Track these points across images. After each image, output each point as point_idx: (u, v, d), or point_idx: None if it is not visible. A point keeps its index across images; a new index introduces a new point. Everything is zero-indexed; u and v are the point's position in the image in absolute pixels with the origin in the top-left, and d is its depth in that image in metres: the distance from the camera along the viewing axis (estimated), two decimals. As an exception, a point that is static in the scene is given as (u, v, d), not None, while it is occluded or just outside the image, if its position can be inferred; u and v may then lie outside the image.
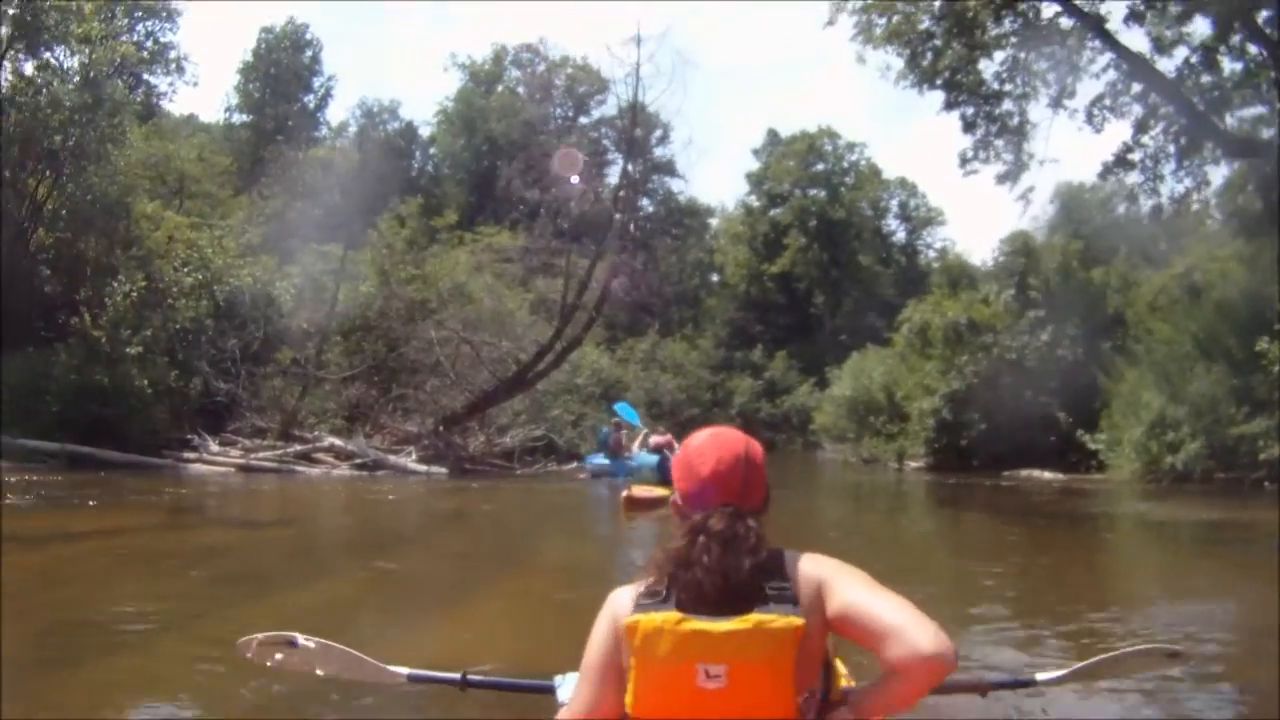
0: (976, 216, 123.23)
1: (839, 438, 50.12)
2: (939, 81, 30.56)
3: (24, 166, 28.23)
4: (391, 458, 28.34)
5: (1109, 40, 28.62)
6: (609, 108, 64.39)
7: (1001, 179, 31.56)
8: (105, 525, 15.64)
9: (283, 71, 66.02)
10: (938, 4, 29.65)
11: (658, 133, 70.62)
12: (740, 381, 69.39)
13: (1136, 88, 29.72)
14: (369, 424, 30.74)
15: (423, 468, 28.11)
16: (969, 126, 31.13)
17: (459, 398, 32.06)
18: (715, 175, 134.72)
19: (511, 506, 22.78)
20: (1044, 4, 29.51)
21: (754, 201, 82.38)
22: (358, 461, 27.68)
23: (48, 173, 28.38)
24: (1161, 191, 31.39)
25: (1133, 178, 31.52)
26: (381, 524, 18.93)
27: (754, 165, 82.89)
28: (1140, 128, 30.21)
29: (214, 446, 27.58)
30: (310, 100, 69.23)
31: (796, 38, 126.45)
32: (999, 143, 31.11)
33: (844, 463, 46.30)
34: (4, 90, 27.65)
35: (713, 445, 2.89)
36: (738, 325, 76.85)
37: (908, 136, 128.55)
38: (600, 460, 28.90)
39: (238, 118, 66.19)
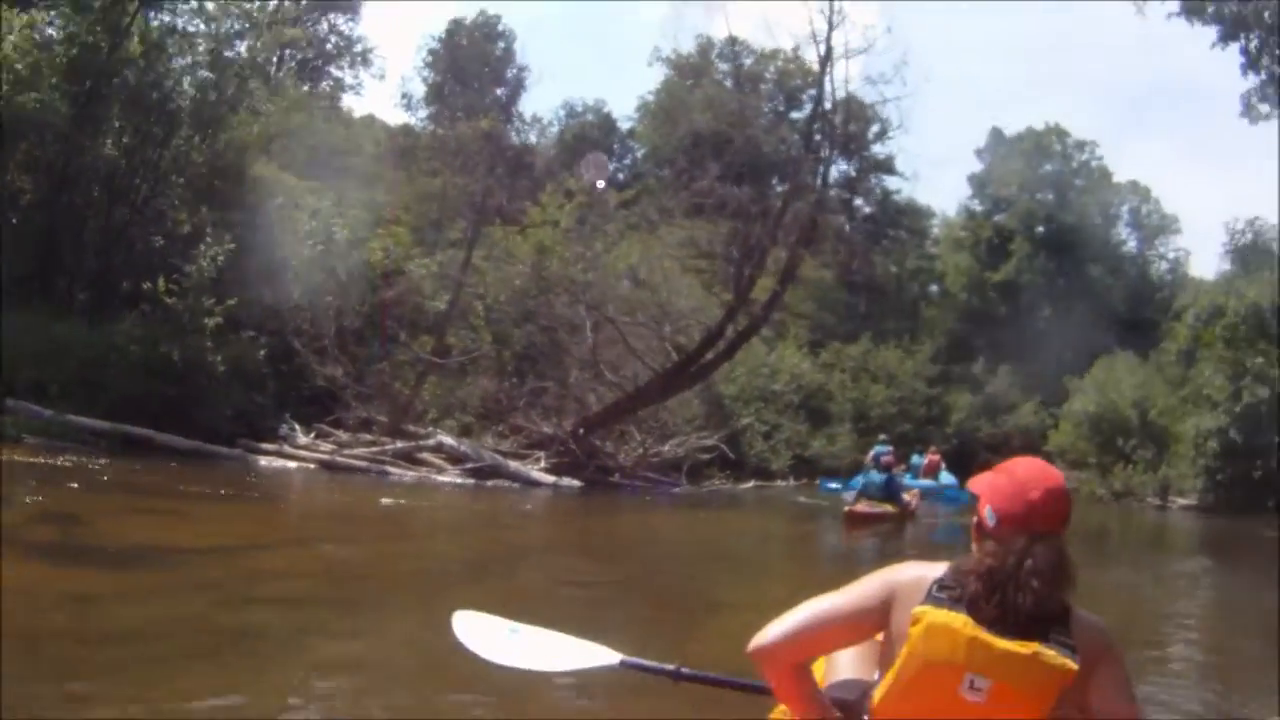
0: (1208, 227, 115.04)
1: (1077, 463, 42.34)
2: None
3: (139, 131, 26.29)
4: (512, 464, 23.66)
5: None
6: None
7: None
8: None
9: (471, 62, 62.51)
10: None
11: (875, 128, 65.36)
12: (958, 397, 63.60)
13: None
14: (502, 423, 26.00)
15: (550, 478, 23.54)
16: (1254, 61, 25.32)
17: (608, 395, 27.46)
18: (936, 179, 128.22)
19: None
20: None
21: (976, 205, 78.46)
22: (469, 466, 23.09)
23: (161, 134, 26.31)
24: None
25: None
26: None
27: (977, 167, 78.93)
28: None
29: (302, 438, 23.05)
30: (503, 93, 65.17)
31: (1024, 28, 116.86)
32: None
33: (1088, 494, 38.45)
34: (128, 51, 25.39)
35: (1041, 473, 3.00)
36: (957, 336, 72.10)
37: (1139, 136, 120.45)
38: (834, 484, 28.07)
39: (420, 112, 62.81)
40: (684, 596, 12.32)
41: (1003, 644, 2.66)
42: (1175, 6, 26.42)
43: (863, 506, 21.24)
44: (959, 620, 2.71)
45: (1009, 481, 2.97)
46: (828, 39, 28.49)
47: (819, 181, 31.74)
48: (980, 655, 2.67)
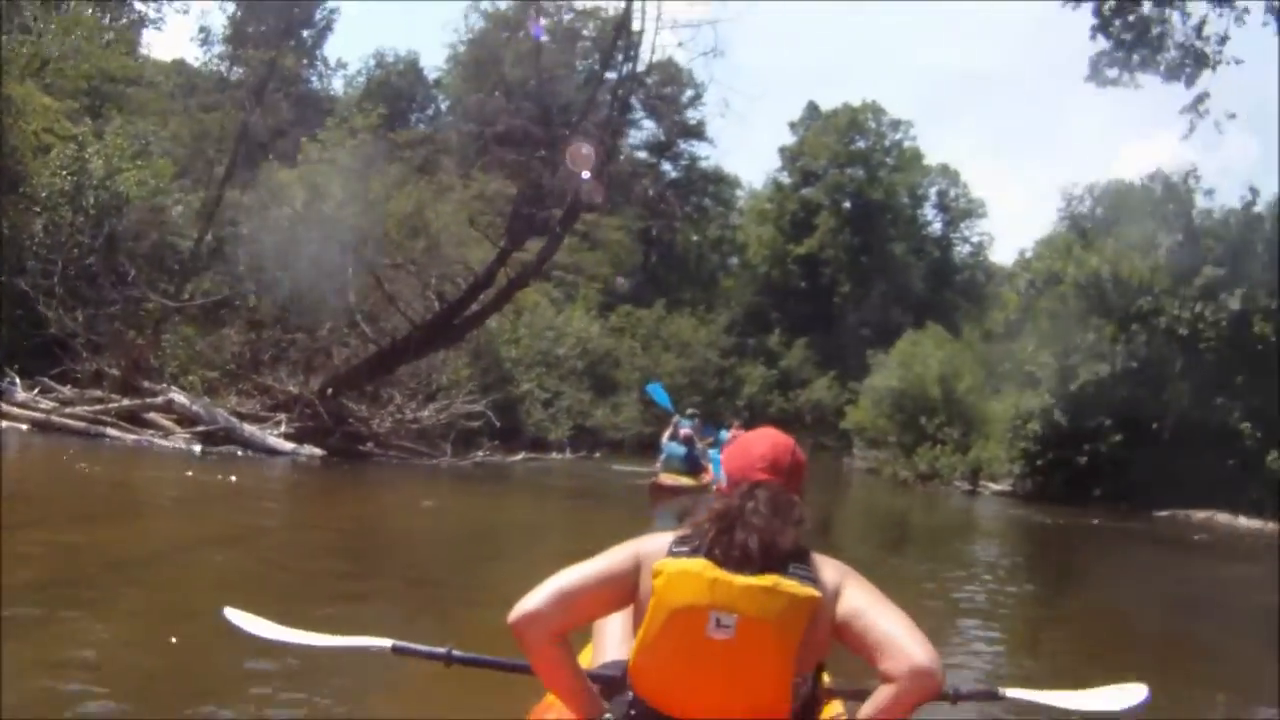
0: (1011, 217, 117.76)
1: (876, 441, 41.42)
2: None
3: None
4: (248, 428, 21.50)
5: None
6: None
7: (1172, 74, 24.93)
8: None
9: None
10: None
11: (688, 93, 67.27)
12: (752, 369, 64.02)
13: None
14: (247, 381, 23.98)
15: (288, 446, 21.50)
16: (1105, 24, 25.00)
17: (364, 350, 25.54)
18: (748, 153, 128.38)
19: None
20: None
21: (785, 178, 78.19)
22: (201, 429, 20.93)
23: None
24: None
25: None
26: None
27: (789, 140, 78.60)
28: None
29: (20, 394, 20.75)
30: (309, 35, 62.23)
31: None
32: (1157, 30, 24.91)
33: (889, 477, 37.35)
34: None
35: (766, 434, 3.25)
36: (753, 309, 72.31)
37: (953, 121, 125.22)
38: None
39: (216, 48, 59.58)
40: (444, 582, 11.15)
41: (742, 579, 2.74)
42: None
43: (667, 479, 21.22)
44: (698, 564, 2.79)
45: (738, 446, 3.22)
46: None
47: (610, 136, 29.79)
48: (722, 593, 2.74)
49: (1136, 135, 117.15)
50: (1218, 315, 27.33)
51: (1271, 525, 23.94)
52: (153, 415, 21.43)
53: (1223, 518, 25.07)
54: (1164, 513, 25.48)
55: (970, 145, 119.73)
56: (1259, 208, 30.09)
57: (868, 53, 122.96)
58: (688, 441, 23.27)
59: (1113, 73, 26.20)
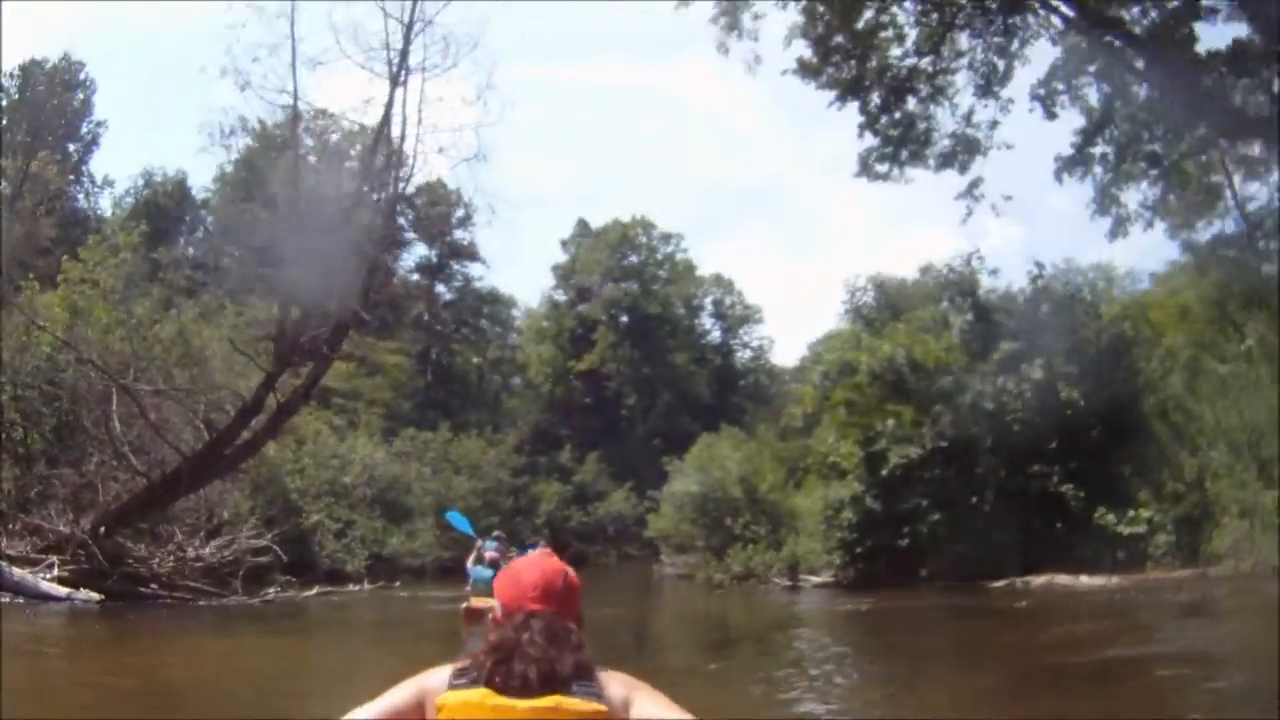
0: (791, 320, 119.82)
1: (684, 546, 40.07)
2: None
3: None
4: (16, 572, 19.34)
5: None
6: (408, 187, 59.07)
7: (945, 162, 26.18)
8: None
9: (49, 115, 56.91)
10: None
11: (459, 213, 64.98)
12: (547, 486, 63.13)
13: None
14: (17, 521, 21.83)
15: (62, 591, 19.61)
16: (872, 121, 25.88)
17: (135, 484, 23.62)
18: (522, 271, 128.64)
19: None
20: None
21: (560, 295, 78.83)
22: (-40, 575, 18.68)
23: None
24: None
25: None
26: None
27: (562, 258, 79.35)
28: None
29: None
30: (75, 149, 59.74)
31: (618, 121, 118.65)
32: (923, 125, 26.34)
33: (703, 581, 35.37)
34: None
35: (536, 561, 3.19)
36: (541, 428, 71.84)
37: (722, 230, 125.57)
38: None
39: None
40: None
41: (525, 703, 2.74)
42: (790, 63, 25.49)
43: (478, 603, 20.45)
44: (478, 694, 2.78)
45: (509, 575, 3.17)
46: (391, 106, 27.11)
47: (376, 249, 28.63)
48: (506, 719, 2.73)
49: (907, 229, 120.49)
50: (1020, 386, 27.20)
51: (1115, 579, 23.58)
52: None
53: (1063, 579, 24.54)
54: (999, 583, 24.93)
55: (743, 252, 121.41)
56: (1043, 281, 30.43)
57: (634, 166, 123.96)
58: (493, 564, 22.42)
59: (882, 167, 26.50)
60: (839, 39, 25.10)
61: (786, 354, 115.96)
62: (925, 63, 25.78)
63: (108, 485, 23.90)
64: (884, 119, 25.85)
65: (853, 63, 25.35)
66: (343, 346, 29.43)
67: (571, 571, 3.18)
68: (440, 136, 39.36)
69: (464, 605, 21.20)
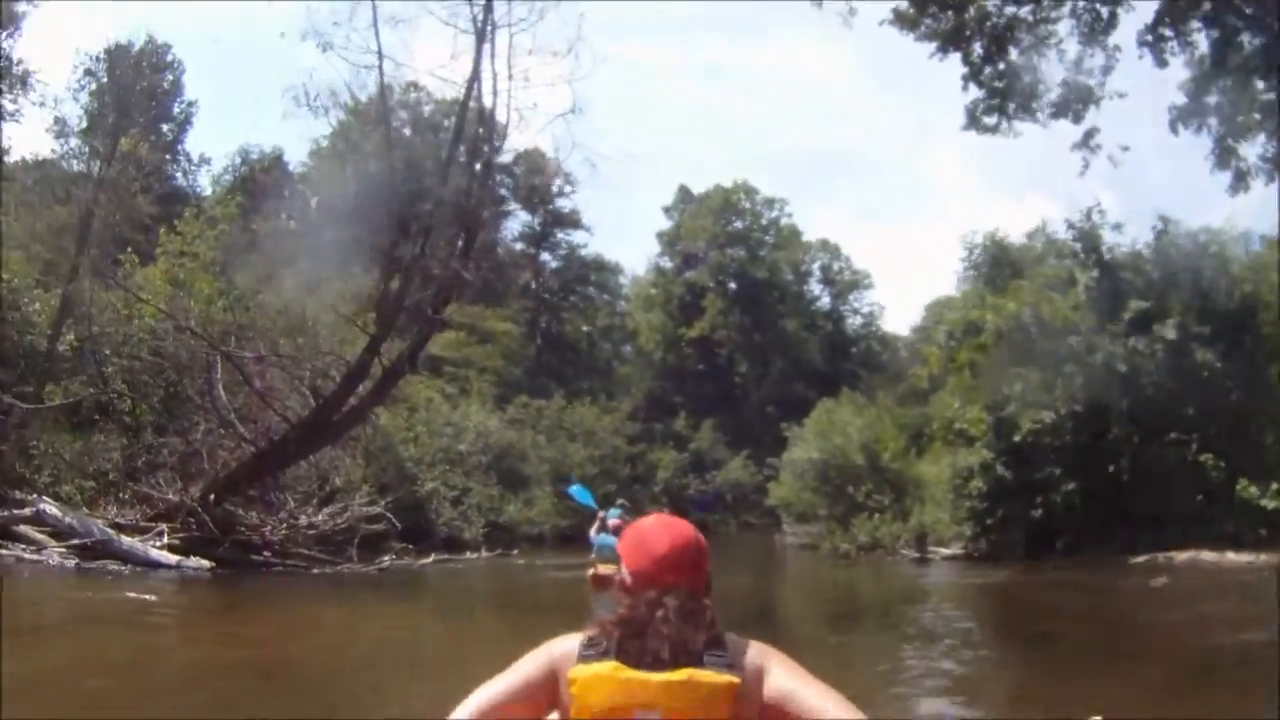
0: (897, 286, 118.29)
1: (806, 516, 39.12)
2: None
3: None
4: (126, 540, 19.05)
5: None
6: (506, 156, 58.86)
7: (1058, 111, 24.12)
8: None
9: (132, 92, 57.10)
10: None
11: (558, 182, 65.49)
12: (663, 454, 62.84)
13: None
14: (126, 490, 21.67)
15: (172, 558, 19.21)
16: (976, 73, 24.44)
17: (244, 451, 23.34)
18: (626, 239, 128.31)
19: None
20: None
21: (666, 262, 78.17)
22: (76, 543, 18.50)
23: None
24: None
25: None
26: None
27: (665, 224, 78.74)
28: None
29: None
30: (169, 129, 59.86)
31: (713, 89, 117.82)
32: (1028, 78, 24.48)
33: (828, 551, 34.27)
34: None
35: (664, 527, 3.00)
36: (654, 395, 71.30)
37: (817, 198, 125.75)
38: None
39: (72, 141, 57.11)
40: (366, 708, 9.86)
41: (659, 676, 2.65)
42: (886, 12, 24.34)
43: (604, 568, 20.16)
44: (609, 667, 2.68)
45: (637, 542, 2.98)
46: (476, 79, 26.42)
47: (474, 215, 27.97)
48: (639, 692, 2.65)
49: (1002, 194, 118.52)
50: (1153, 347, 25.95)
51: (1264, 557, 22.25)
52: (23, 529, 19.06)
53: (1208, 556, 23.31)
54: (1140, 558, 23.69)
55: (846, 218, 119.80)
56: (1169, 236, 29.12)
57: (730, 136, 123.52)
58: (616, 531, 21.89)
59: (990, 119, 25.31)
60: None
61: (895, 322, 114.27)
62: (1025, 11, 24.57)
63: (215, 454, 23.59)
64: (988, 70, 24.61)
65: (950, 12, 24.26)
66: (449, 314, 28.92)
67: (699, 535, 3.00)
68: (533, 92, 39.00)
69: (590, 572, 21.21)
